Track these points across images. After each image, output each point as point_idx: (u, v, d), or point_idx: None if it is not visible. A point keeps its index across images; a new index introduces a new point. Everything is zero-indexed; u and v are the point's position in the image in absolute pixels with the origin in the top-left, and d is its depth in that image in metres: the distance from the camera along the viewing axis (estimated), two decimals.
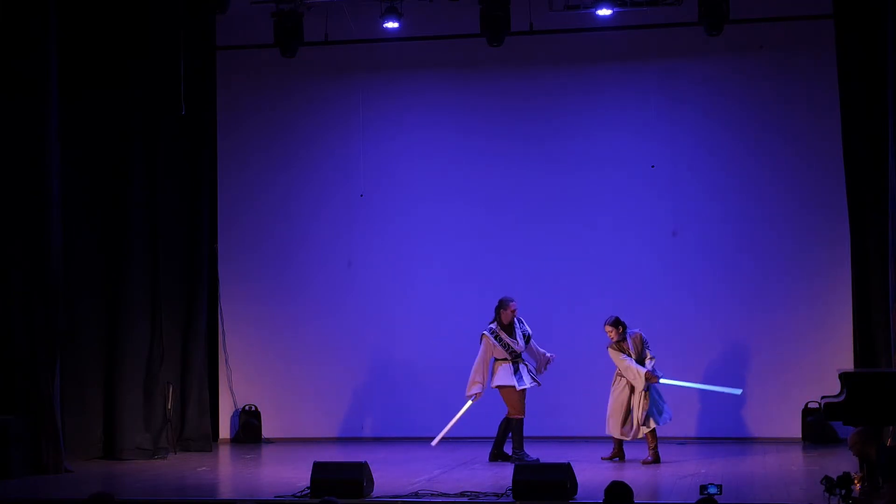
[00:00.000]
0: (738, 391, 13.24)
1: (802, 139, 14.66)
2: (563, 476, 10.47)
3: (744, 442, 14.30)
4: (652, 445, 12.67)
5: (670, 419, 12.85)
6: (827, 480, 9.24)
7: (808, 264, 14.60)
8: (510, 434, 13.05)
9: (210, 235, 15.41)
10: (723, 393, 13.21)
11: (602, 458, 12.88)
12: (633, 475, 11.61)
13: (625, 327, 12.83)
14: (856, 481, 9.22)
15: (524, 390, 12.94)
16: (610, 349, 12.79)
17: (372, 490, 10.81)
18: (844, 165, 14.12)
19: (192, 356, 14.82)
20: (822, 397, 11.00)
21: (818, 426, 14.07)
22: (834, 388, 11.08)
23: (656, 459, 12.63)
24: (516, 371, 12.94)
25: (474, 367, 13.07)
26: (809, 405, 14.18)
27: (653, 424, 12.63)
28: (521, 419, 12.96)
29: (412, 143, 15.48)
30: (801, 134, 14.67)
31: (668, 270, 14.89)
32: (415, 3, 14.29)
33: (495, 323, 13.05)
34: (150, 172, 14.20)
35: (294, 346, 15.52)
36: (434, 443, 13.08)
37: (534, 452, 12.84)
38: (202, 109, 15.05)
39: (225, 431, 15.54)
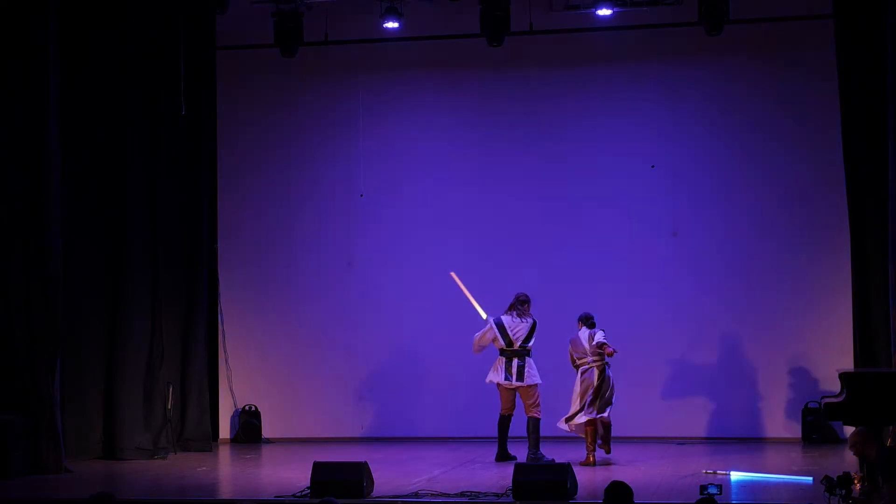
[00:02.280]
0: None
1: (802, 139, 14.67)
2: (563, 476, 10.47)
3: (744, 442, 14.30)
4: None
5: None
6: (827, 480, 9.24)
7: (808, 264, 14.61)
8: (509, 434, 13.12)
9: (210, 235, 15.42)
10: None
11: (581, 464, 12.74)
12: (633, 475, 11.61)
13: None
14: (856, 481, 9.22)
15: (499, 385, 13.02)
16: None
17: (372, 490, 10.81)
18: (844, 165, 14.10)
19: (192, 356, 14.82)
20: (822, 397, 11.02)
21: (818, 426, 14.07)
22: (834, 388, 11.10)
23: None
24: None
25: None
26: (809, 405, 14.19)
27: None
28: (505, 416, 13.08)
29: (412, 142, 15.49)
30: (800, 134, 14.68)
31: (667, 271, 14.89)
32: (415, 3, 14.29)
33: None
34: (150, 172, 14.20)
35: (294, 346, 15.52)
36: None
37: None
38: (202, 109, 15.05)
39: (225, 431, 15.54)
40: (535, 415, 12.93)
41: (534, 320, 13.06)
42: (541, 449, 12.80)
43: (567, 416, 12.75)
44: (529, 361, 13.01)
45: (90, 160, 13.86)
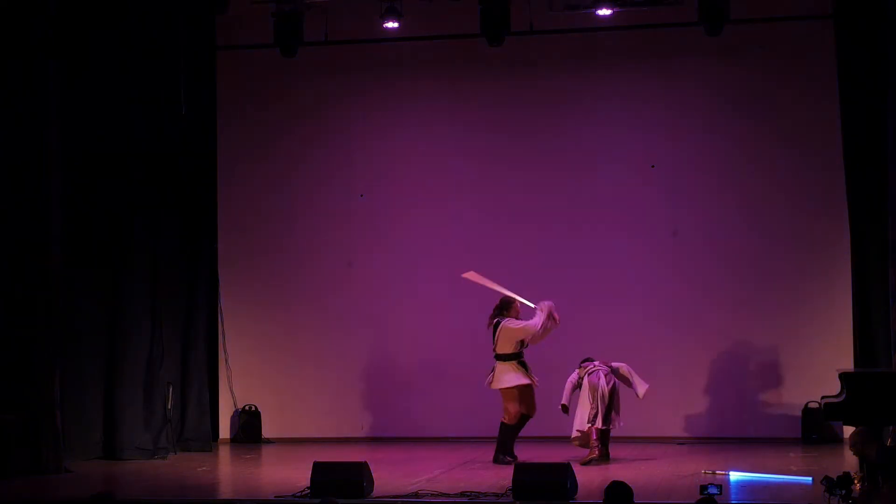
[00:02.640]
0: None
1: (802, 139, 14.66)
2: (563, 476, 10.47)
3: (744, 442, 14.29)
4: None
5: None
6: (827, 480, 9.25)
7: (808, 264, 14.60)
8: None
9: (210, 235, 15.42)
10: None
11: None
12: (633, 475, 11.60)
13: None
14: (856, 481, 9.23)
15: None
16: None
17: (372, 490, 10.81)
18: (844, 165, 14.15)
19: (192, 356, 14.84)
20: (822, 397, 11.02)
21: (818, 426, 14.06)
22: (834, 388, 11.10)
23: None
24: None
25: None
26: (809, 405, 14.18)
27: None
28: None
29: (412, 142, 15.48)
30: (801, 134, 14.67)
31: (668, 270, 14.88)
32: (415, 3, 14.27)
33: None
34: (151, 172, 14.20)
35: (294, 346, 15.51)
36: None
37: (534, 452, 12.86)
38: (202, 109, 15.06)
39: (225, 431, 15.53)
40: (502, 418, 12.97)
41: (496, 322, 13.01)
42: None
43: (587, 419, 12.71)
44: (499, 366, 12.97)
45: (90, 160, 13.85)
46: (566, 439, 13.19)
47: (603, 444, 12.78)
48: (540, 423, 13.45)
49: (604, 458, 12.73)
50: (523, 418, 13.05)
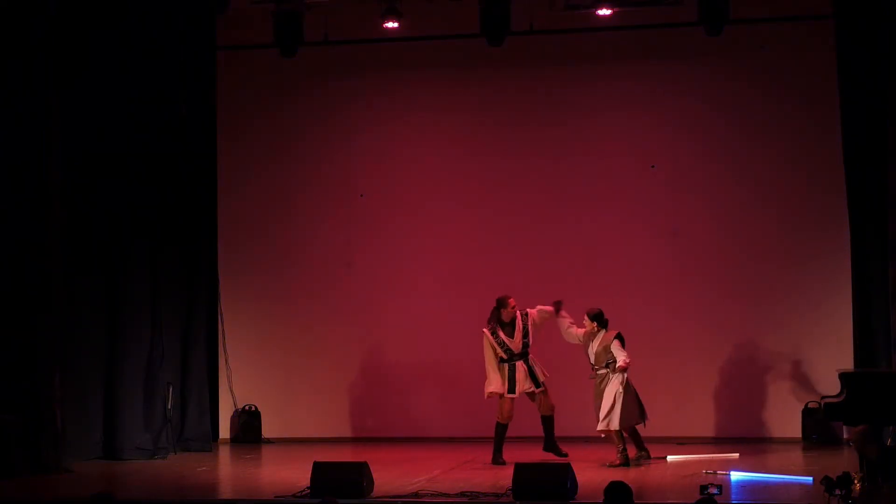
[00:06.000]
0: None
1: (802, 139, 14.66)
2: (563, 476, 10.47)
3: (744, 442, 14.28)
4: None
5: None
6: (827, 480, 9.25)
7: (809, 264, 14.60)
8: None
9: (210, 235, 15.42)
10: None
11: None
12: (633, 475, 11.62)
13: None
14: (856, 481, 9.24)
15: (512, 398, 13.00)
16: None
17: (372, 490, 10.81)
18: (844, 165, 14.15)
19: (192, 356, 14.84)
20: (822, 397, 11.02)
21: (818, 426, 14.06)
22: (834, 388, 11.11)
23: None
24: (510, 375, 12.94)
25: (487, 368, 13.07)
26: (809, 405, 14.18)
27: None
28: (502, 424, 13.02)
29: (412, 142, 15.48)
30: (801, 134, 14.67)
31: (668, 270, 14.88)
32: (415, 3, 14.28)
33: (493, 321, 13.06)
34: (150, 172, 14.20)
35: (294, 347, 15.51)
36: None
37: (534, 452, 12.86)
38: (202, 109, 15.06)
39: (225, 431, 15.53)
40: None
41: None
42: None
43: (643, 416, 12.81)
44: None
45: (90, 160, 13.85)
46: (566, 439, 13.20)
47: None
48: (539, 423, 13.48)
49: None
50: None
